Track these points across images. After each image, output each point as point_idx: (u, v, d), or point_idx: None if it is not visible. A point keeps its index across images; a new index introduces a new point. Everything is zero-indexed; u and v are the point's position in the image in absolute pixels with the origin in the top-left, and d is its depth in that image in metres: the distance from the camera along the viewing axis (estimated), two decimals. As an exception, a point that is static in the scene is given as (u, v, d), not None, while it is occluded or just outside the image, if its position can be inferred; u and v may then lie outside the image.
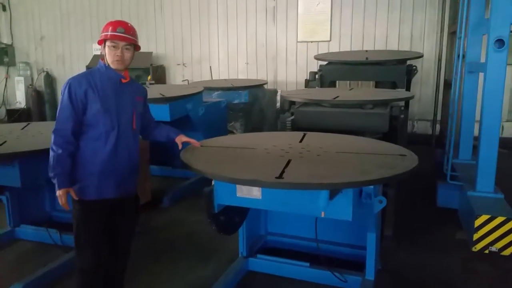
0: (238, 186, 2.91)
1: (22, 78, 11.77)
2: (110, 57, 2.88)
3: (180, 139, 3.35)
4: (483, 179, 4.62)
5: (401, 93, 5.59)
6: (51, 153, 2.78)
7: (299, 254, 3.93)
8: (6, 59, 11.93)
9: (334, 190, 2.62)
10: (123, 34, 2.87)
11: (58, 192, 2.77)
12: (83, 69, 10.13)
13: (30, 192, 4.78)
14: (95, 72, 2.95)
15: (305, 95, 5.24)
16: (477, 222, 4.15)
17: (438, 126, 8.49)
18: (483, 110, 4.54)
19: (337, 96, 4.95)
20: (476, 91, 5.67)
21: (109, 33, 2.85)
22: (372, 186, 2.99)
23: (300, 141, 3.65)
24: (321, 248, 3.97)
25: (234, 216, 3.46)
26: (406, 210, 5.24)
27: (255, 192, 2.91)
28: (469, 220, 4.40)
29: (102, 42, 2.91)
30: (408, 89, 7.26)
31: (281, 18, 9.55)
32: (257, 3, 9.68)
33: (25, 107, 11.66)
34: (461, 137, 5.80)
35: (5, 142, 3.91)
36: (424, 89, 8.81)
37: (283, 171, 2.69)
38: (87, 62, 10.34)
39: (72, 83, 2.84)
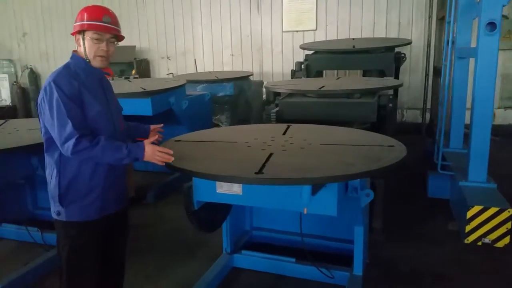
0: (217, 182, 2.75)
1: (6, 76, 11.53)
2: (92, 52, 2.39)
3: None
4: (475, 168, 4.48)
5: (389, 81, 5.44)
6: (94, 153, 2.29)
7: (285, 249, 3.82)
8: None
9: (316, 185, 2.47)
10: (110, 24, 2.42)
11: (152, 155, 2.41)
12: (66, 65, 9.91)
13: (11, 191, 4.61)
14: (75, 69, 2.41)
15: (290, 85, 5.09)
16: (469, 213, 4.02)
17: (428, 115, 8.37)
18: (475, 97, 4.39)
19: (323, 86, 4.80)
20: (467, 78, 5.51)
21: (93, 22, 2.35)
22: (358, 180, 2.86)
23: (284, 134, 3.49)
24: (307, 243, 3.84)
25: (216, 212, 3.32)
26: (396, 201, 5.11)
27: (236, 188, 2.76)
28: (461, 211, 4.27)
29: (78, 32, 2.39)
30: (396, 77, 7.14)
31: (265, 7, 9.35)
32: (241, -8, 9.49)
33: (10, 104, 11.42)
34: (452, 125, 5.65)
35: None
36: (413, 77, 8.68)
37: (263, 166, 2.53)
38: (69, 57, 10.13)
39: (61, 82, 2.31)
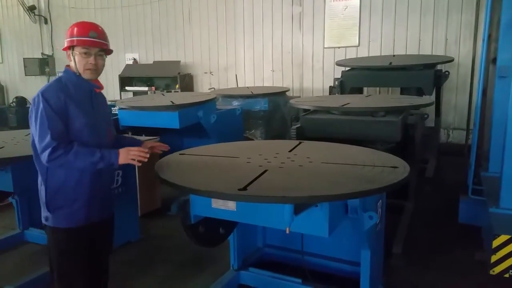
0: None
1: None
2: (81, 66, 2.54)
3: None
4: (507, 194, 4.14)
5: (417, 99, 5.19)
6: (68, 159, 2.39)
7: (297, 269, 3.66)
8: (47, 69, 12.41)
9: (299, 205, 2.39)
10: (96, 39, 2.56)
11: (126, 156, 2.49)
12: (116, 78, 10.35)
13: (36, 197, 4.80)
14: (65, 82, 2.57)
15: (313, 102, 5.00)
16: (496, 243, 3.71)
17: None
18: (509, 118, 4.11)
19: (347, 103, 4.67)
20: (508, 97, 5.17)
21: (80, 38, 2.51)
22: (358, 200, 2.73)
23: (290, 150, 3.42)
24: (322, 265, 3.76)
25: (218, 227, 3.27)
26: (424, 226, 4.87)
27: (230, 204, 2.73)
28: (488, 240, 3.97)
29: (69, 47, 2.56)
30: (438, 95, 6.83)
31: (307, 24, 9.31)
32: (283, 10, 9.51)
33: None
34: (491, 147, 5.30)
35: (1, 147, 3.96)
36: (460, 96, 8.25)
37: (250, 183, 2.48)
38: (120, 71, 10.59)
39: (48, 95, 2.44)
